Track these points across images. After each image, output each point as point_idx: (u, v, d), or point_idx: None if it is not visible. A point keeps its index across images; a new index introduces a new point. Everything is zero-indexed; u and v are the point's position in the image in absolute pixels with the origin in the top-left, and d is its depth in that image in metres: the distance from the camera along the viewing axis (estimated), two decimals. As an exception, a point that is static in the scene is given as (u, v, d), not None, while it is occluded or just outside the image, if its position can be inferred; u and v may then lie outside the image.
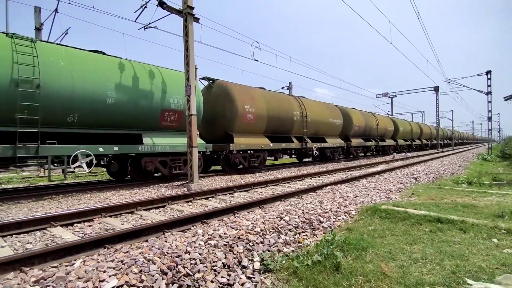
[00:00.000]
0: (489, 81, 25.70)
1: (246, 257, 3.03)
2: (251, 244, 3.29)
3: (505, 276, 2.47)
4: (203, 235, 3.41)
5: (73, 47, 7.85)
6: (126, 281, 2.34)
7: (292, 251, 3.40)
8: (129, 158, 9.35)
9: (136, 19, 8.99)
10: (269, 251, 3.25)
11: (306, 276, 2.64)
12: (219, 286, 2.55)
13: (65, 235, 4.04)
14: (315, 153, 15.82)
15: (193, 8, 8.41)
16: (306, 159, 17.65)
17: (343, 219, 4.69)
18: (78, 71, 7.44)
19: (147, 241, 3.43)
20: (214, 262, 2.83)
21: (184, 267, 2.66)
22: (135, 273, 2.46)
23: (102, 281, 2.32)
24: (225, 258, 2.92)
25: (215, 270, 2.73)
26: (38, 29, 13.25)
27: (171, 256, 2.79)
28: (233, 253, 3.05)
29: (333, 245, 3.14)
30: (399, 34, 16.11)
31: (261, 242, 3.40)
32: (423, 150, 36.63)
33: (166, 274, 2.54)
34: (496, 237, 3.50)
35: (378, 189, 7.22)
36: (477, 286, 2.35)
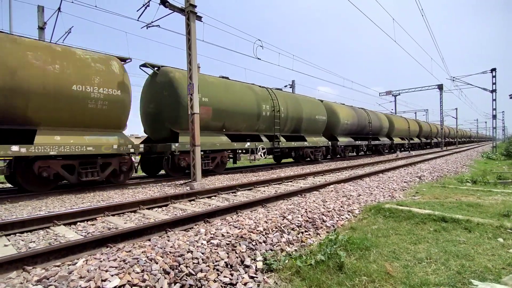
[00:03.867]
0: (494, 78, 25.42)
1: (248, 257, 3.01)
2: (254, 243, 3.27)
3: (511, 276, 2.43)
4: (205, 234, 3.40)
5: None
6: (128, 281, 2.33)
7: (295, 250, 3.38)
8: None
9: (138, 17, 8.97)
10: (272, 250, 3.24)
11: (309, 276, 2.62)
12: (221, 286, 2.54)
13: (68, 234, 4.05)
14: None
15: (195, 6, 8.38)
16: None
17: (347, 218, 4.66)
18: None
19: (149, 240, 3.42)
20: (216, 261, 2.82)
21: (186, 267, 2.64)
22: (138, 273, 2.45)
23: (105, 280, 2.31)
24: (228, 257, 2.90)
25: (217, 270, 2.71)
26: (41, 29, 13.30)
27: (174, 256, 2.78)
28: (236, 252, 3.04)
29: (336, 244, 3.11)
30: (403, 32, 15.98)
31: (264, 242, 3.38)
32: (423, 148, 36.25)
33: (168, 273, 2.53)
34: (502, 237, 3.45)
35: (382, 188, 7.17)
36: (482, 286, 2.32)
